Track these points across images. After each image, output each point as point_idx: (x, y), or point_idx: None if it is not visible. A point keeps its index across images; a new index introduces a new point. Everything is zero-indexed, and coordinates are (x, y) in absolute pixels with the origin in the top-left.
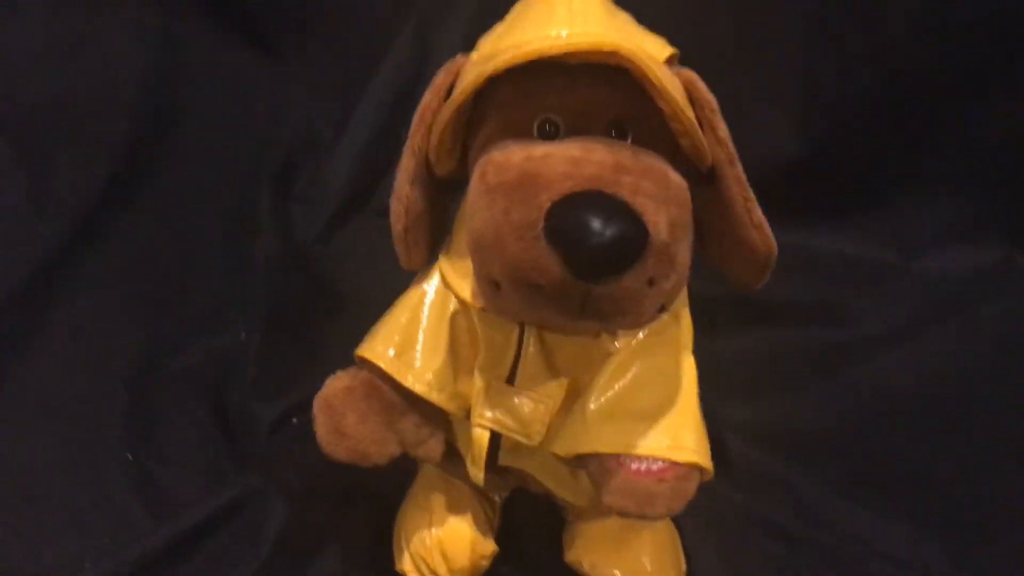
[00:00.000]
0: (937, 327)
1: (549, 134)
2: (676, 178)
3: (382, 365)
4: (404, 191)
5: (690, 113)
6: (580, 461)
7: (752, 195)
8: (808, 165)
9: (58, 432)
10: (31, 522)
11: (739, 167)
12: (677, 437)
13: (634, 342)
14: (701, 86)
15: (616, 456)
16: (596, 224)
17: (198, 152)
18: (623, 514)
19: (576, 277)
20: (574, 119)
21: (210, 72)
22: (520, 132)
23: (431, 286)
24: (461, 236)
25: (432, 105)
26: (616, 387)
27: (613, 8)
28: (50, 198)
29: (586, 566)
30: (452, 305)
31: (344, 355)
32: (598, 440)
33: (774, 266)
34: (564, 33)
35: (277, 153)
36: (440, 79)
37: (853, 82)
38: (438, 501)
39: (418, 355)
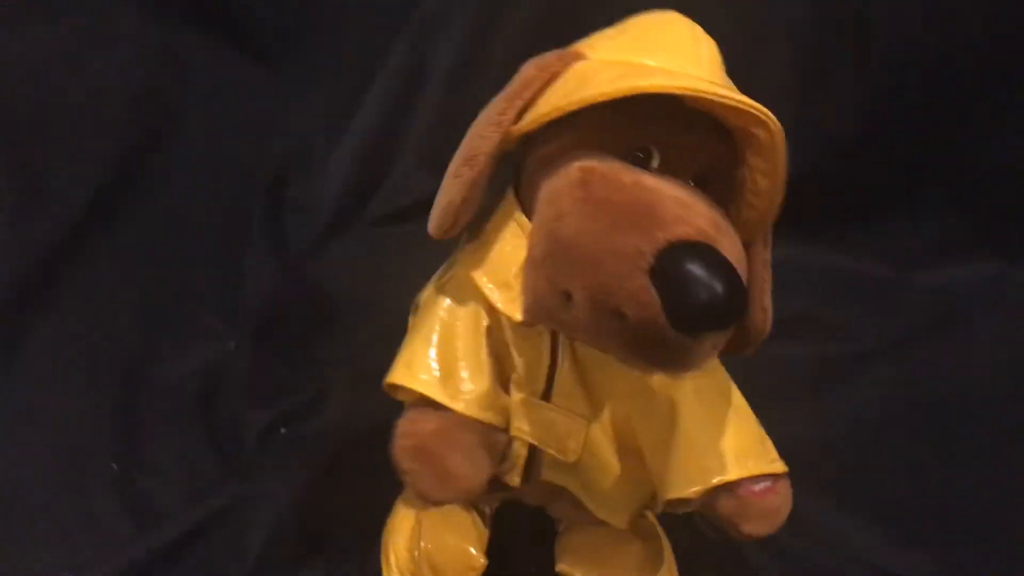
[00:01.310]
0: (932, 341)
1: (638, 160)
2: (743, 248)
3: (426, 392)
4: (482, 160)
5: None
6: (707, 497)
7: (770, 279)
8: (805, 182)
9: (43, 442)
10: (15, 531)
11: (769, 251)
12: (769, 451)
13: None
14: None
15: (739, 484)
16: (713, 280)
17: (191, 163)
18: (760, 536)
19: (672, 324)
20: (669, 157)
21: (204, 83)
22: (612, 150)
23: (458, 300)
24: (500, 242)
25: (534, 84)
26: (699, 417)
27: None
28: (40, 207)
29: None
30: (484, 319)
31: (334, 365)
32: (722, 470)
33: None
34: (704, 77)
35: (270, 164)
36: (550, 62)
37: (847, 102)
38: (427, 513)
39: (463, 378)
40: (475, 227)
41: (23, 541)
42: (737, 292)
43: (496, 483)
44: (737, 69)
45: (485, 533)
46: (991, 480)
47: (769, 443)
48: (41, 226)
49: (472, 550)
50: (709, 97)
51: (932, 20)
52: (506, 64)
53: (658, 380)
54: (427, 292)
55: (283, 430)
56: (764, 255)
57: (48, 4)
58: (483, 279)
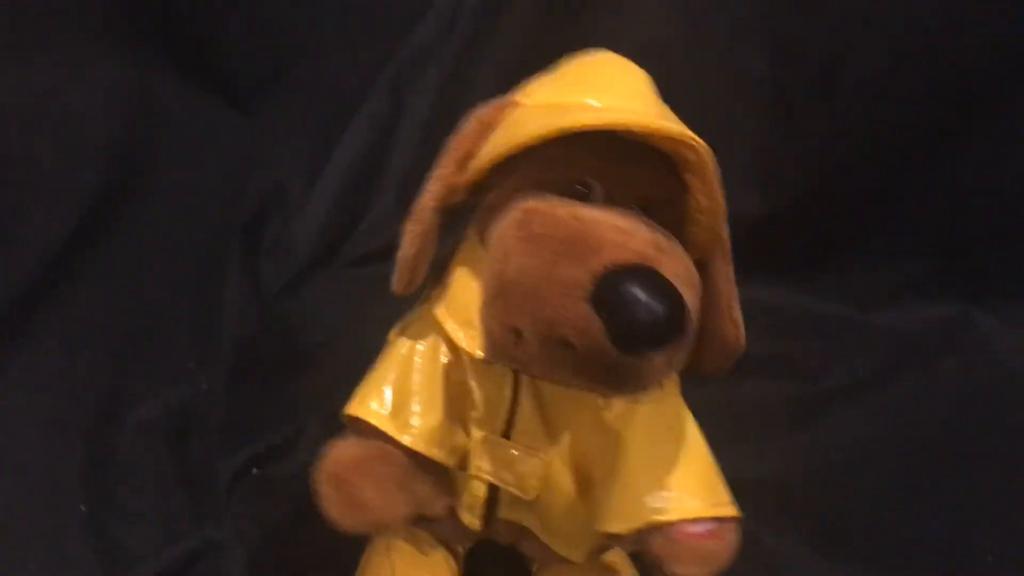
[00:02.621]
0: (896, 381)
1: (581, 195)
2: (693, 267)
3: (377, 424)
4: (427, 215)
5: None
6: (640, 535)
7: (736, 293)
8: (769, 224)
9: (13, 483)
10: None
11: (731, 265)
12: (717, 493)
13: (631, 404)
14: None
15: (676, 524)
16: (650, 300)
17: (166, 203)
18: None
19: (616, 346)
20: (610, 188)
21: (180, 124)
22: (553, 188)
23: (419, 337)
24: (461, 283)
25: (471, 136)
26: (644, 454)
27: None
28: (13, 247)
29: None
30: (443, 357)
31: (309, 405)
32: (657, 510)
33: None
34: (635, 109)
35: (246, 206)
36: (487, 113)
37: (810, 145)
38: (400, 551)
39: (414, 412)
40: (439, 271)
41: None
42: (677, 309)
43: (459, 524)
44: (695, 114)
45: (458, 573)
46: (957, 515)
47: (720, 485)
48: (13, 265)
49: None
50: (632, 128)
51: (896, 64)
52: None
53: (612, 415)
54: (393, 331)
55: (255, 471)
56: (726, 271)
57: (24, 44)
58: (446, 318)
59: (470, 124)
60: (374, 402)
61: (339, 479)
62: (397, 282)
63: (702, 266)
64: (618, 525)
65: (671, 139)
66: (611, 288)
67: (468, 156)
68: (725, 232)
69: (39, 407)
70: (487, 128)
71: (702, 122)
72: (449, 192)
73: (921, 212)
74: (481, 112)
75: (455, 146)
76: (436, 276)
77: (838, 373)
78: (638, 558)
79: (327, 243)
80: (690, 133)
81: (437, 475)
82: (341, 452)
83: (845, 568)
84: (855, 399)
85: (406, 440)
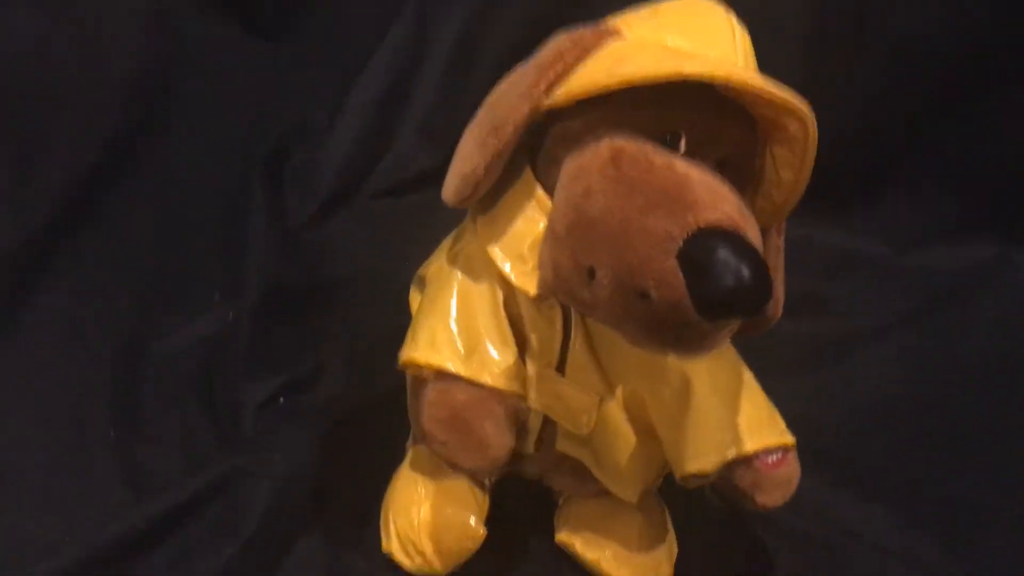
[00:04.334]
0: (930, 322)
1: (669, 145)
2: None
3: (455, 370)
4: (508, 131)
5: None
6: (725, 469)
7: (782, 267)
8: None
9: (42, 413)
10: (12, 500)
11: (783, 237)
12: (778, 423)
13: None
14: None
15: (755, 456)
16: (741, 267)
17: (189, 136)
18: (774, 507)
19: (697, 308)
20: (695, 141)
21: (203, 55)
22: (640, 130)
23: (472, 273)
24: (513, 214)
25: (566, 57)
26: (712, 392)
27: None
28: (37, 182)
29: (577, 546)
30: (500, 292)
31: (334, 338)
32: (737, 443)
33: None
34: (739, 63)
35: (270, 137)
36: (586, 37)
37: (848, 79)
38: (426, 483)
39: (490, 350)
40: (484, 199)
41: (20, 510)
42: (763, 281)
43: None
44: None
45: (485, 503)
46: (990, 459)
47: (778, 416)
48: (39, 201)
49: (472, 520)
50: (748, 88)
51: (934, 2)
52: (509, 41)
53: (670, 358)
54: (435, 266)
55: (282, 400)
56: (777, 243)
57: None
58: (497, 252)
59: (564, 44)
60: (445, 346)
61: (460, 420)
62: (455, 193)
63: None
64: (700, 463)
65: (774, 105)
66: (703, 249)
67: (560, 78)
68: (793, 208)
69: (67, 341)
70: (584, 53)
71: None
72: (534, 112)
73: (958, 149)
74: (578, 33)
75: (548, 64)
76: (481, 204)
77: (870, 313)
78: (666, 492)
79: (351, 175)
80: (803, 104)
81: (521, 407)
82: (452, 396)
83: (869, 510)
84: (887, 340)
85: (487, 380)
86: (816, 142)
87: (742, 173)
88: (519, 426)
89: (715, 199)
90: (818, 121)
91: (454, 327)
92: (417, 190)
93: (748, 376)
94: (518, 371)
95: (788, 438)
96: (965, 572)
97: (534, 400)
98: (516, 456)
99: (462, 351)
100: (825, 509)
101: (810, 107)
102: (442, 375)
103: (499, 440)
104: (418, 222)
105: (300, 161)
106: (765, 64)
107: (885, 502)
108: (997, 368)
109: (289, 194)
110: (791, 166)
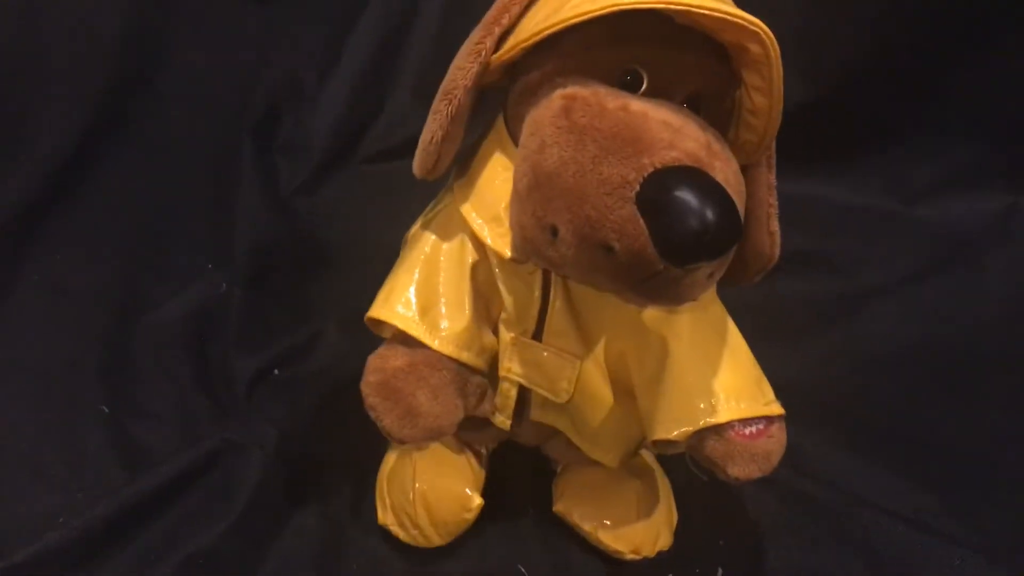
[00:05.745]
0: (940, 276)
1: (629, 86)
2: (740, 172)
3: (403, 327)
4: (459, 94)
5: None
6: (692, 439)
7: (776, 203)
8: (810, 111)
9: (34, 386)
10: (5, 475)
11: (774, 172)
12: (764, 392)
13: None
14: None
15: (729, 426)
16: (704, 208)
17: (179, 100)
18: (748, 479)
19: (662, 255)
20: (659, 79)
21: (192, 17)
22: (597, 74)
23: (443, 235)
24: (489, 175)
25: (512, 9)
26: (691, 355)
27: None
28: (25, 148)
29: (575, 516)
30: (470, 255)
31: (327, 307)
32: (709, 412)
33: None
34: None
35: (260, 101)
36: None
37: (857, 28)
38: (422, 454)
39: (443, 314)
40: (464, 162)
41: (15, 485)
42: (730, 218)
43: (488, 424)
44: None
45: (481, 474)
46: (997, 418)
47: (765, 384)
48: (26, 167)
49: (468, 491)
50: (695, 11)
51: None
52: None
53: (651, 317)
54: (415, 227)
55: (276, 372)
56: (768, 178)
57: None
58: (472, 213)
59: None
60: (400, 305)
61: (390, 387)
62: (420, 166)
63: (743, 171)
64: (669, 430)
65: (733, 27)
66: (661, 191)
67: (507, 30)
68: (774, 137)
69: (57, 311)
70: (530, 2)
71: (743, 8)
72: (483, 70)
73: (967, 100)
74: None
75: (493, 19)
76: (460, 167)
77: (878, 269)
78: (666, 458)
79: (343, 140)
80: (757, 20)
81: (470, 378)
82: (388, 360)
83: (873, 468)
84: (896, 295)
85: (434, 343)
86: (779, 61)
87: (720, 108)
88: (472, 397)
89: (675, 137)
90: (823, 67)
91: (412, 287)
92: (409, 152)
93: (735, 339)
94: (471, 339)
95: (772, 408)
96: (970, 530)
97: (508, 369)
98: (491, 428)
99: (415, 311)
100: (831, 472)
101: (766, 26)
102: (395, 338)
103: (432, 410)
104: (410, 185)
105: (291, 125)
106: (768, 10)
107: (892, 463)
108: (1007, 323)
109: (280, 160)
110: (762, 90)
